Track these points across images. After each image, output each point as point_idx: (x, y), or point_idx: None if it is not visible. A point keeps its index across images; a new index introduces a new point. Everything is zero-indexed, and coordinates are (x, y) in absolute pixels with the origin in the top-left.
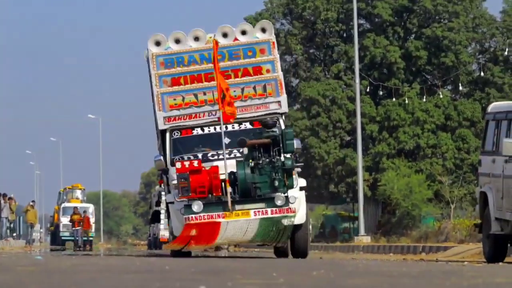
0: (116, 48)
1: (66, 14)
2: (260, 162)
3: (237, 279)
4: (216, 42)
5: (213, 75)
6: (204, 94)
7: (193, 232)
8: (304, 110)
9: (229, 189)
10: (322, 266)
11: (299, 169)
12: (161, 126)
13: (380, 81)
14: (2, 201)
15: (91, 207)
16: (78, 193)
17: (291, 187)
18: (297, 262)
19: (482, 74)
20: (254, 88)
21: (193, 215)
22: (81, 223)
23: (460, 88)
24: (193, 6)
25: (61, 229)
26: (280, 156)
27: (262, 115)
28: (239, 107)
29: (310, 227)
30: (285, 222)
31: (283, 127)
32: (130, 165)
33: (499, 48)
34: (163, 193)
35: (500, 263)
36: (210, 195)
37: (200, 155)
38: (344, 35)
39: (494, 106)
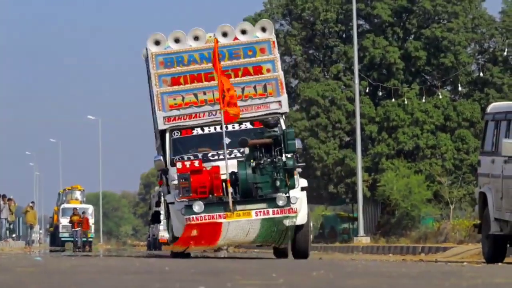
0: (116, 48)
1: (66, 14)
2: (262, 162)
3: (237, 279)
4: (216, 41)
5: (213, 74)
6: (204, 93)
7: (194, 233)
8: (304, 110)
9: (230, 189)
10: (322, 267)
11: (299, 169)
12: (161, 126)
13: (379, 82)
14: (2, 202)
15: (90, 208)
16: (77, 194)
17: (293, 187)
18: (296, 263)
19: (481, 74)
20: (255, 87)
21: (194, 216)
22: (81, 224)
23: (460, 88)
24: (193, 7)
25: (60, 230)
26: (281, 156)
27: (262, 115)
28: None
29: (311, 227)
30: (287, 222)
31: (283, 127)
32: (129, 166)
33: (498, 48)
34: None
35: (500, 264)
36: (211, 195)
37: (200, 155)
38: (344, 35)
39: (493, 106)
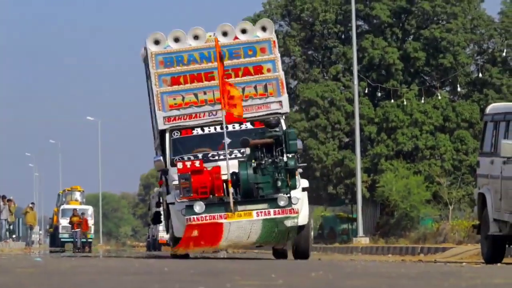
0: (116, 49)
1: (66, 14)
2: (263, 162)
3: (236, 280)
4: (218, 42)
5: (213, 74)
6: (204, 93)
7: (195, 233)
8: (303, 111)
9: (231, 190)
10: (321, 267)
11: (300, 170)
12: (161, 126)
13: (378, 83)
14: (2, 203)
15: (90, 209)
16: (77, 195)
17: (294, 187)
18: (296, 263)
19: (480, 75)
20: (255, 87)
21: (195, 216)
22: (80, 225)
23: (459, 89)
24: (191, 8)
25: (60, 231)
26: (282, 156)
27: (263, 115)
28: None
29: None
30: (288, 223)
31: (284, 127)
32: (129, 167)
33: (497, 49)
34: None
35: (498, 264)
36: (211, 196)
37: (200, 155)
38: (343, 36)
39: (493, 107)
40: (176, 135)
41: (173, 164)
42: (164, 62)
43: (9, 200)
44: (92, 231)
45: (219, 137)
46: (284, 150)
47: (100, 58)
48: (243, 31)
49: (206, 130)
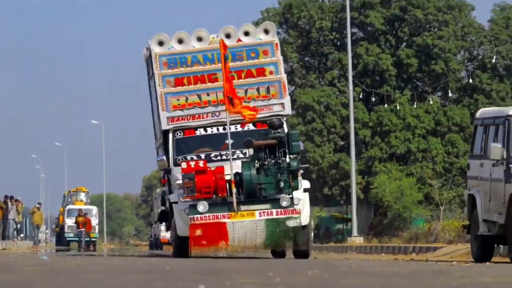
0: (118, 52)
1: (67, 14)
2: (266, 163)
3: (235, 278)
4: (223, 43)
5: (216, 76)
6: (208, 94)
7: (198, 232)
8: (300, 116)
9: (234, 190)
10: (317, 266)
11: (302, 171)
12: (164, 126)
13: (372, 88)
14: (9, 203)
15: (94, 209)
16: (82, 196)
17: (296, 188)
18: (293, 262)
19: (470, 81)
20: (258, 89)
21: (198, 215)
22: (85, 224)
23: (450, 94)
24: (190, 16)
25: (66, 230)
26: (285, 157)
27: (265, 117)
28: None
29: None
30: (290, 223)
31: (286, 129)
32: (131, 169)
33: (487, 55)
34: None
35: (487, 263)
36: (215, 196)
37: (203, 155)
38: (338, 43)
39: (482, 112)
40: (179, 135)
41: (176, 164)
42: (168, 63)
43: (16, 201)
44: (97, 231)
45: (222, 138)
46: (287, 151)
47: (104, 63)
48: (246, 34)
49: (209, 130)
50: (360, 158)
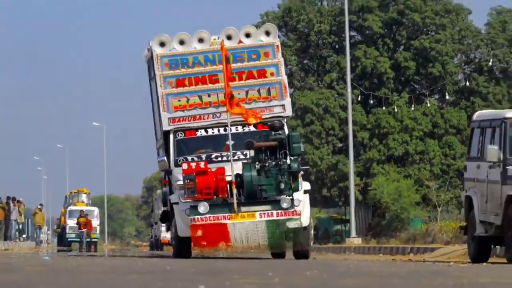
0: (118, 51)
1: (69, 16)
2: (267, 164)
3: (235, 279)
4: (224, 45)
5: (217, 77)
6: (209, 95)
7: (199, 233)
8: (299, 118)
9: (235, 191)
10: (316, 267)
11: (302, 172)
12: (165, 127)
13: (370, 91)
14: (12, 205)
15: (95, 210)
16: (83, 197)
17: (297, 190)
18: (292, 263)
19: (467, 83)
20: (259, 91)
21: (199, 216)
22: (86, 225)
23: (447, 97)
24: (192, 15)
25: (67, 231)
26: (286, 158)
27: (266, 118)
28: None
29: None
30: (290, 224)
31: (286, 130)
32: (132, 171)
33: (484, 59)
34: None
35: (484, 264)
36: (215, 197)
37: (204, 156)
38: (337, 46)
39: (479, 114)
40: (180, 136)
41: (177, 165)
42: (169, 64)
43: (18, 202)
44: (98, 231)
45: (222, 139)
46: (288, 153)
47: (104, 63)
48: (247, 35)
49: (210, 131)
50: (359, 160)
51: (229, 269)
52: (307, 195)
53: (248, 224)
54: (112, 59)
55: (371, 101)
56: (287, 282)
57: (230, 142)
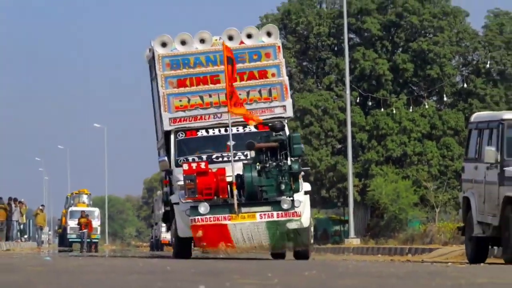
0: (118, 51)
1: (67, 14)
2: (267, 165)
3: (235, 279)
4: (226, 46)
5: (219, 77)
6: (210, 96)
7: (199, 234)
8: (298, 119)
9: (236, 192)
10: (315, 267)
11: (303, 173)
12: (166, 127)
13: (369, 92)
14: (13, 205)
15: (96, 211)
16: (84, 198)
17: (297, 191)
18: (291, 263)
19: (465, 85)
20: (260, 91)
21: (199, 217)
22: (87, 225)
23: (445, 99)
24: (192, 15)
25: (68, 231)
26: (286, 160)
27: (267, 119)
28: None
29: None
30: (291, 225)
31: (287, 131)
32: (133, 172)
33: (482, 61)
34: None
35: (482, 264)
36: (216, 197)
37: (204, 157)
38: (335, 48)
39: (477, 116)
40: (181, 136)
41: (178, 165)
42: (171, 64)
43: (20, 202)
44: (99, 232)
45: (223, 139)
46: (288, 154)
47: (104, 63)
48: (249, 36)
49: (211, 132)
50: (357, 161)
51: (229, 270)
52: (308, 196)
53: (249, 225)
54: (112, 59)
55: (370, 103)
56: (286, 282)
57: (231, 143)
